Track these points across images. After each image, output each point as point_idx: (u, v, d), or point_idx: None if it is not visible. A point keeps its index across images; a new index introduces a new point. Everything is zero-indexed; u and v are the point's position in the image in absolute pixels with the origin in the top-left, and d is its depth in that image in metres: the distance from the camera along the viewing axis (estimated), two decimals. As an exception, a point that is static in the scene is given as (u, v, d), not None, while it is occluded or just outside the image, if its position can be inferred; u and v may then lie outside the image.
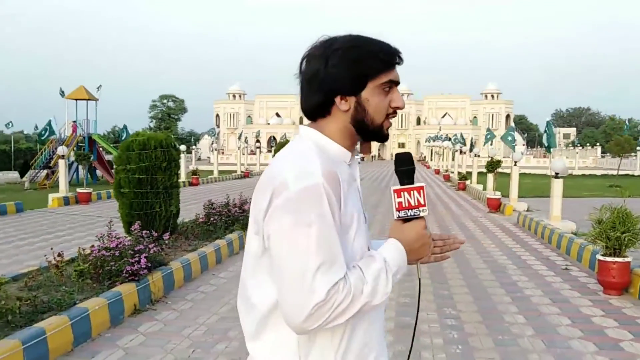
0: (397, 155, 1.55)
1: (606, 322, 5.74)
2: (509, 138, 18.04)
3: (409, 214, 1.47)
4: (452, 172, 34.98)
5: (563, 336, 5.34)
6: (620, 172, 39.87)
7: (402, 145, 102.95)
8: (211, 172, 34.44)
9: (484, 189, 21.64)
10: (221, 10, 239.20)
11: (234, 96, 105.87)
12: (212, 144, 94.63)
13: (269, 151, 66.36)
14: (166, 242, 7.61)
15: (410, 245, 1.46)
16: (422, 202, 1.47)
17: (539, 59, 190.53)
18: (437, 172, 44.57)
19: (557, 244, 10.01)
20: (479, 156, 28.09)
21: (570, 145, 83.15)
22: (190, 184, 26.29)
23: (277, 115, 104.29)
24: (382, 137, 1.51)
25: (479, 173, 27.02)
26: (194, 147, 52.97)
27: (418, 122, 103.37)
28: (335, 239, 1.34)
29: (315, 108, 1.47)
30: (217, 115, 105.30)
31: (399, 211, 1.48)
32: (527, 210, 15.47)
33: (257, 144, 62.14)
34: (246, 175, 34.64)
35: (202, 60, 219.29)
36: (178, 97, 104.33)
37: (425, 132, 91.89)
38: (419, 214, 1.47)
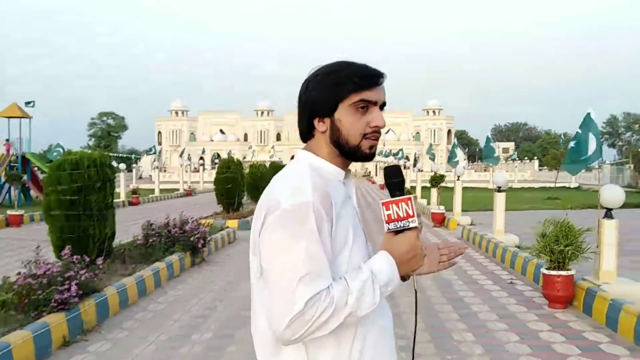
0: (387, 168, 1.59)
1: (553, 337, 5.71)
2: (455, 159, 18.11)
3: (398, 226, 1.49)
4: (397, 187, 35.26)
5: (512, 354, 5.26)
6: (557, 185, 41.20)
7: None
8: (153, 190, 33.56)
9: (428, 203, 21.83)
10: (163, 27, 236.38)
11: (177, 113, 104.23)
12: (154, 161, 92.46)
13: (213, 168, 65.47)
14: (100, 266, 7.18)
15: (401, 257, 1.48)
16: (411, 213, 1.49)
17: (478, 75, 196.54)
18: (383, 187, 44.94)
19: (502, 257, 10.07)
20: (422, 171, 28.44)
21: (509, 159, 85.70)
22: (130, 203, 25.46)
23: (222, 132, 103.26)
24: (362, 157, 1.55)
25: (423, 187, 27.32)
26: (135, 165, 51.48)
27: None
28: (321, 254, 1.40)
29: (303, 130, 1.58)
30: (159, 133, 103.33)
31: (388, 223, 1.50)
32: (471, 224, 15.62)
33: (201, 162, 61.26)
34: (189, 193, 33.90)
35: (144, 78, 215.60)
36: (118, 114, 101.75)
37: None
38: (408, 225, 1.49)
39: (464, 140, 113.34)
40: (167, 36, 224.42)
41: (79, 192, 7.21)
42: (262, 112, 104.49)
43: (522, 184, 49.39)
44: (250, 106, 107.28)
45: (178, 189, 35.78)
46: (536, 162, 76.64)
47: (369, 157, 1.55)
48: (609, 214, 6.77)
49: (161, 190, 32.81)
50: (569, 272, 6.73)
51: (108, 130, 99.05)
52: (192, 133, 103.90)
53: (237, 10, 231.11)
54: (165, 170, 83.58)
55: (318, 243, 1.40)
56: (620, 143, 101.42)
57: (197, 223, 10.34)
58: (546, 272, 6.83)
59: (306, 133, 1.58)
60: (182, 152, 42.35)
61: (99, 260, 6.84)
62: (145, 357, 5.25)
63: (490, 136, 17.70)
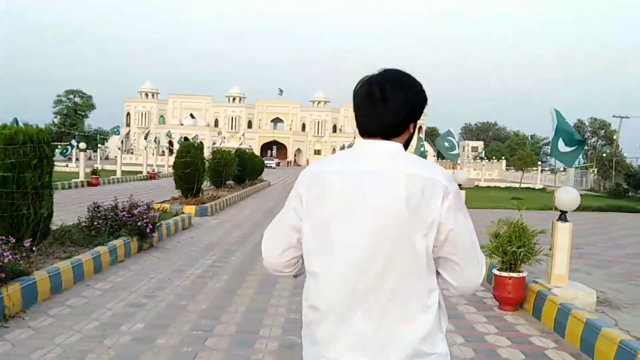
0: None
1: (499, 341, 5.52)
2: (446, 144, 16.73)
3: None
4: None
5: (454, 357, 5.05)
6: (523, 185, 41.62)
7: (318, 152, 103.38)
8: (115, 172, 32.82)
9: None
10: (136, 3, 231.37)
11: (146, 95, 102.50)
12: (122, 143, 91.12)
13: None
14: (32, 249, 6.76)
15: None
16: None
17: (450, 71, 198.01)
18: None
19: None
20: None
21: (477, 157, 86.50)
22: (90, 184, 24.77)
23: (192, 116, 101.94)
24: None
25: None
26: (100, 145, 50.38)
27: (334, 129, 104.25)
28: None
29: (394, 130, 1.75)
30: (128, 114, 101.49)
31: None
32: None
33: (169, 145, 60.24)
34: (152, 176, 33.21)
35: (114, 57, 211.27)
36: (86, 93, 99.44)
37: (341, 140, 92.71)
38: None
39: (434, 136, 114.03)
40: (143, 14, 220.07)
41: (12, 168, 6.76)
42: (234, 99, 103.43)
43: (488, 182, 49.83)
44: (223, 92, 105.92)
45: (141, 172, 35.03)
46: (504, 162, 77.49)
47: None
48: (563, 216, 6.62)
49: (123, 172, 32.10)
50: (521, 274, 6.57)
51: (74, 109, 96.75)
52: (161, 116, 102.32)
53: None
54: (132, 153, 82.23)
55: None
56: (585, 147, 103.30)
57: (147, 207, 9.93)
58: (497, 273, 6.66)
59: (397, 131, 1.77)
60: (147, 135, 41.47)
61: (27, 242, 6.42)
62: (65, 348, 4.88)
63: (451, 131, 16.99)
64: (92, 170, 26.12)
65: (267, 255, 1.92)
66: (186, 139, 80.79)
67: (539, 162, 48.46)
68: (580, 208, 21.47)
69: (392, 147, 1.74)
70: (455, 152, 16.16)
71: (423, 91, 1.80)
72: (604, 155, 54.22)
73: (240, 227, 13.35)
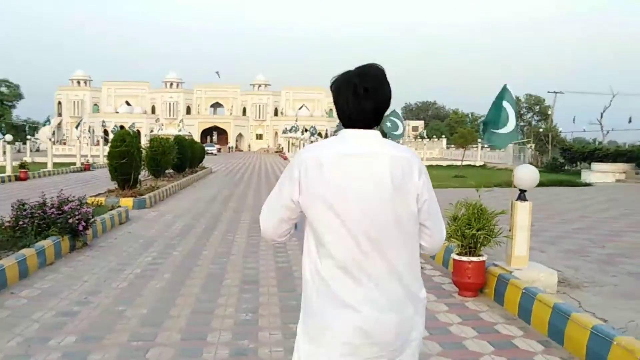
0: None
1: (464, 332, 5.20)
2: (388, 124, 16.52)
3: None
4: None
5: (421, 354, 4.68)
6: (464, 163, 42.22)
7: (259, 136, 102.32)
8: (57, 164, 31.18)
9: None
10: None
11: (79, 82, 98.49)
12: (54, 133, 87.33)
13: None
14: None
15: None
16: None
17: (392, 51, 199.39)
18: (293, 163, 44.32)
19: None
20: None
21: (418, 137, 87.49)
22: (18, 178, 23.30)
23: (127, 103, 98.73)
24: None
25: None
26: (29, 137, 47.88)
27: (275, 113, 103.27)
28: None
29: (377, 121, 2.09)
30: (60, 103, 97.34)
31: None
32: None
33: (104, 134, 58.06)
34: (86, 168, 31.67)
35: (46, 44, 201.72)
36: (12, 82, 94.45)
37: (283, 123, 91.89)
38: None
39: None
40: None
41: None
42: (172, 84, 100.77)
43: (430, 161, 50.32)
44: (160, 78, 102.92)
45: (74, 163, 33.42)
46: (444, 141, 78.65)
47: None
48: (522, 195, 6.36)
49: (55, 165, 30.50)
50: (481, 258, 6.28)
51: (0, 99, 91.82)
52: (95, 104, 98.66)
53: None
54: (64, 143, 78.90)
55: None
56: (522, 123, 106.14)
57: (79, 202, 9.16)
58: (457, 257, 6.36)
59: (377, 121, 2.09)
60: (79, 124, 39.61)
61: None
62: (-19, 374, 4.24)
63: (397, 111, 16.83)
64: (20, 164, 24.61)
65: (265, 228, 2.22)
66: (122, 127, 78.11)
67: (479, 140, 49.29)
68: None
69: (375, 134, 2.08)
70: (398, 132, 15.90)
71: (388, 84, 2.11)
72: (541, 130, 55.72)
73: (182, 218, 12.68)
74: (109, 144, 15.88)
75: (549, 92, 71.70)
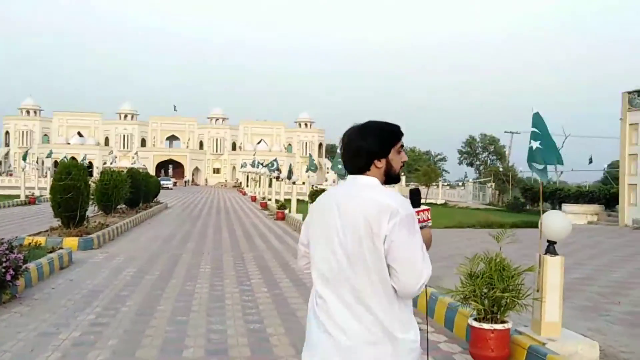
0: (411, 190, 2.57)
1: None
2: (339, 166, 16.85)
3: (422, 225, 2.38)
4: (270, 200, 33.46)
5: None
6: (427, 201, 41.63)
7: (217, 170, 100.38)
8: (1, 197, 28.98)
9: (304, 218, 20.14)
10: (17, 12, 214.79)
11: (28, 112, 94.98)
12: (0, 164, 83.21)
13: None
14: None
15: (426, 242, 2.33)
16: (429, 218, 2.49)
17: (348, 90, 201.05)
18: (254, 199, 42.91)
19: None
20: (295, 183, 26.84)
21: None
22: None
23: (79, 134, 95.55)
24: (397, 180, 2.45)
25: (299, 201, 25.67)
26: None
27: (234, 147, 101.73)
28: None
29: (361, 168, 2.35)
30: (7, 133, 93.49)
31: (418, 223, 2.33)
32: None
33: (54, 166, 55.32)
34: (32, 201, 29.55)
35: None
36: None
37: (241, 157, 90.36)
38: (428, 225, 2.47)
39: (334, 153, 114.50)
40: (25, 24, 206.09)
41: None
42: (126, 116, 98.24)
43: (391, 199, 49.57)
44: (114, 109, 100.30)
45: (19, 196, 31.20)
46: (403, 178, 78.48)
47: (399, 180, 2.47)
48: (552, 248, 5.28)
49: (-3, 197, 28.31)
50: (506, 326, 5.12)
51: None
52: (45, 135, 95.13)
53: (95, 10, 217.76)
54: (11, 175, 75.29)
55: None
56: (477, 162, 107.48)
57: (8, 245, 7.65)
58: (476, 324, 5.17)
59: (362, 169, 2.36)
60: (26, 155, 37.35)
61: None
62: None
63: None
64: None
65: (297, 263, 2.98)
66: (73, 159, 75.13)
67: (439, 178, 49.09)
68: (497, 225, 21.04)
69: (366, 180, 2.35)
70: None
71: (376, 137, 2.35)
72: (501, 169, 56.01)
73: (134, 262, 11.18)
74: (53, 177, 14.27)
75: (505, 132, 72.43)
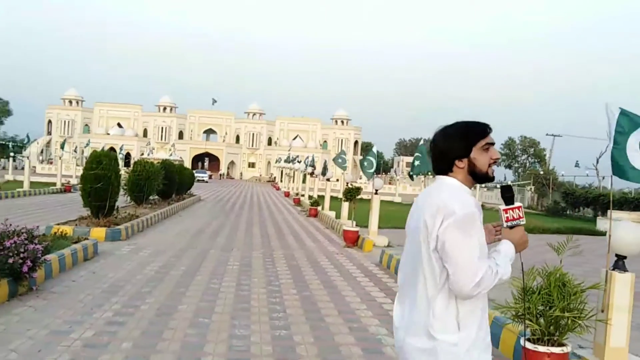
0: (502, 187, 2.49)
1: None
2: (371, 169, 16.86)
3: (513, 224, 2.37)
4: (303, 196, 33.01)
5: None
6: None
7: (252, 165, 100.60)
8: (36, 184, 29.23)
9: (337, 216, 19.60)
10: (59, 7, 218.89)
11: (70, 102, 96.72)
12: (42, 152, 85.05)
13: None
14: None
15: (517, 242, 2.38)
16: (522, 216, 2.39)
17: (387, 88, 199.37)
18: (287, 194, 42.55)
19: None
20: (329, 180, 26.31)
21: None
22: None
23: (119, 125, 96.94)
24: (489, 179, 2.40)
25: (332, 198, 25.14)
26: (13, 155, 45.84)
27: (269, 142, 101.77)
28: (484, 243, 2.30)
29: (443, 169, 2.39)
30: (50, 122, 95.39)
31: (507, 222, 2.38)
32: (388, 246, 13.46)
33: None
34: (67, 189, 29.70)
35: (39, 62, 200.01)
36: (2, 97, 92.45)
37: (277, 153, 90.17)
38: (519, 223, 2.39)
39: (369, 152, 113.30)
40: (66, 17, 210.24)
41: None
42: (164, 108, 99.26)
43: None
44: (154, 101, 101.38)
45: (55, 184, 31.42)
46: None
47: (492, 178, 2.41)
48: (621, 264, 4.61)
49: (35, 185, 28.58)
50: (564, 349, 4.47)
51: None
52: (86, 125, 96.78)
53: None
54: (51, 163, 76.73)
55: (482, 237, 2.28)
56: (516, 165, 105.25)
57: (26, 236, 7.30)
58: (531, 346, 4.53)
59: (445, 170, 2.40)
60: (64, 143, 37.80)
61: None
62: None
63: (374, 150, 17.88)
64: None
65: None
66: (112, 149, 75.95)
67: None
68: (539, 230, 20.10)
69: (446, 180, 2.39)
70: (371, 170, 17.01)
71: (455, 137, 2.38)
72: (541, 173, 54.36)
73: (160, 256, 10.81)
74: (84, 166, 14.03)
75: (547, 134, 70.50)
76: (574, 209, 40.83)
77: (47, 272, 8.00)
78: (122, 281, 8.34)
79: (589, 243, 18.33)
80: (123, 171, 16.15)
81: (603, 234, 21.90)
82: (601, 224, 24.38)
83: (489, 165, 2.37)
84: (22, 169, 56.77)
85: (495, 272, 2.23)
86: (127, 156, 74.92)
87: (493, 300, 6.15)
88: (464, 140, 2.36)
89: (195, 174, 40.43)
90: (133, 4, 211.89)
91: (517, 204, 2.37)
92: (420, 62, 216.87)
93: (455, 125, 2.41)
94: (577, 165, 52.44)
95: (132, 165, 19.29)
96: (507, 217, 2.34)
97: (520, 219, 2.37)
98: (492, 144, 2.39)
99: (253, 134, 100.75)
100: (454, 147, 2.36)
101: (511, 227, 2.34)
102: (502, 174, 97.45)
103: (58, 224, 12.44)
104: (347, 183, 18.77)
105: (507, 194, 2.41)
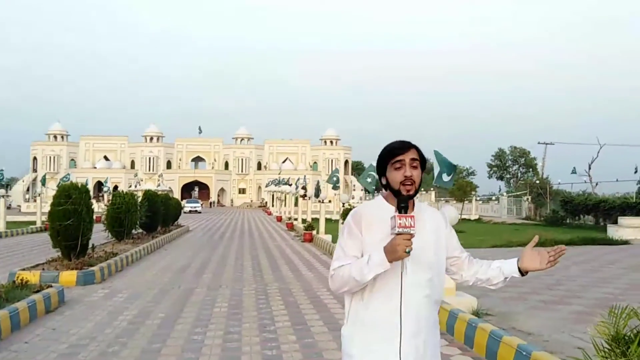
0: (401, 197, 2.48)
1: None
2: (368, 180, 15.33)
3: (403, 231, 2.33)
4: (296, 219, 31.64)
5: None
6: (462, 217, 39.40)
7: (242, 190, 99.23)
8: (15, 223, 27.70)
9: (334, 240, 18.26)
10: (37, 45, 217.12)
11: (55, 137, 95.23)
12: (28, 190, 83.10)
13: (94, 198, 58.49)
14: None
15: (387, 249, 2.35)
16: (413, 225, 2.34)
17: (375, 107, 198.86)
18: (280, 219, 41.18)
19: (469, 340, 6.47)
20: (323, 202, 24.99)
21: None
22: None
23: (106, 158, 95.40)
24: (401, 196, 2.47)
25: (327, 220, 23.81)
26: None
27: (259, 167, 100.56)
28: (351, 245, 2.50)
29: (383, 185, 2.58)
30: (35, 159, 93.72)
31: (399, 228, 2.33)
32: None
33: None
34: (47, 228, 28.06)
35: (22, 98, 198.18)
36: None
37: (266, 177, 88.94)
38: (410, 232, 2.33)
39: (360, 171, 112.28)
40: (49, 49, 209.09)
41: None
42: (151, 138, 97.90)
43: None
44: (139, 131, 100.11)
45: (34, 222, 29.88)
46: (432, 193, 76.06)
47: (403, 196, 2.46)
48: None
49: (10, 225, 27.02)
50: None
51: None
52: (72, 159, 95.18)
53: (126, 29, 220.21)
54: (35, 200, 74.95)
55: (349, 239, 2.52)
56: (507, 175, 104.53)
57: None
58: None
59: (384, 185, 2.58)
60: (44, 179, 36.24)
61: None
62: None
63: (373, 165, 16.29)
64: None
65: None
66: (100, 182, 74.15)
67: (472, 192, 46.72)
68: (551, 242, 18.86)
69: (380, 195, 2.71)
70: (374, 186, 15.55)
71: (379, 156, 2.59)
72: (537, 182, 53.33)
73: (137, 300, 9.41)
74: (51, 201, 12.64)
75: (539, 142, 69.59)
76: (573, 217, 39.65)
77: (-6, 333, 6.61)
78: (85, 338, 6.94)
79: (613, 253, 17.07)
80: (102, 205, 14.78)
81: (620, 242, 20.70)
82: (612, 231, 23.15)
83: (402, 183, 2.48)
84: (8, 207, 55.18)
85: (349, 271, 2.41)
86: (115, 189, 73.39)
87: (479, 312, 4.81)
88: (381, 160, 2.58)
89: (186, 205, 38.97)
90: (113, 32, 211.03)
91: (410, 214, 2.41)
92: (408, 81, 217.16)
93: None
94: (574, 171, 51.26)
95: (110, 199, 17.90)
96: (400, 224, 2.35)
97: (411, 228, 2.35)
98: (404, 163, 2.50)
99: (242, 159, 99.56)
100: (378, 166, 2.61)
101: (399, 234, 2.36)
102: (496, 186, 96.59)
103: (23, 269, 11.03)
104: (343, 203, 17.50)
105: (402, 204, 2.45)
